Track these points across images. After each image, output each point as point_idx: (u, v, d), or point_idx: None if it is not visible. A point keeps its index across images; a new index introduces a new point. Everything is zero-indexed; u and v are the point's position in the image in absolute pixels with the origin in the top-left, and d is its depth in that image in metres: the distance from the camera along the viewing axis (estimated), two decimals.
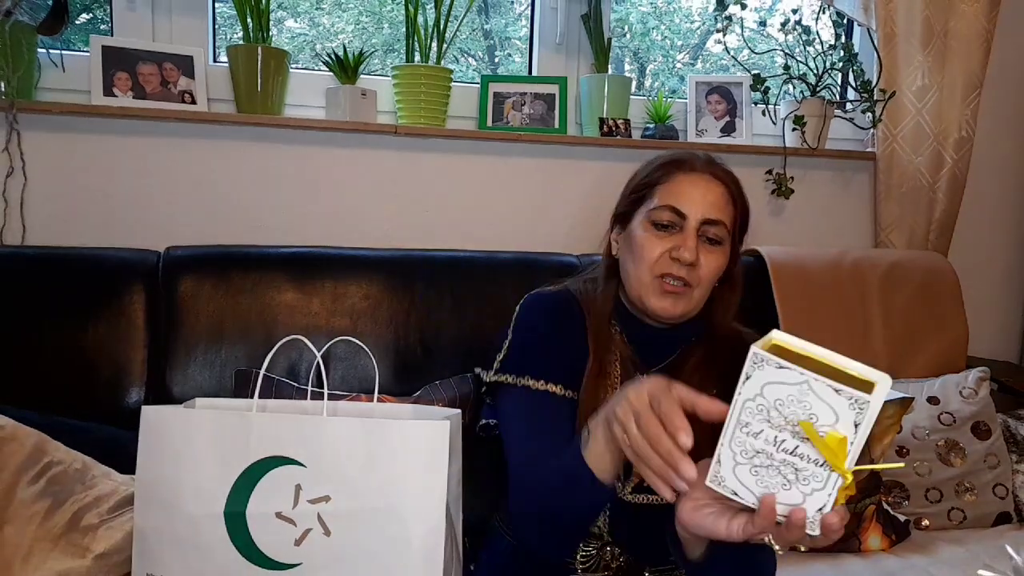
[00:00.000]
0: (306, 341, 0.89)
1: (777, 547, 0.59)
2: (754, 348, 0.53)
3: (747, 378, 0.54)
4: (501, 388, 0.92)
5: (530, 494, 0.81)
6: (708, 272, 0.87)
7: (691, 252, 0.84)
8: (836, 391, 0.51)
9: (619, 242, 0.95)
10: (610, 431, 0.68)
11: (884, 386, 0.52)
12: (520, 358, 0.91)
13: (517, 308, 0.96)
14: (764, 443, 0.54)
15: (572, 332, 0.92)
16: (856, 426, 0.51)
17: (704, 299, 0.89)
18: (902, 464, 0.57)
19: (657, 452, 0.59)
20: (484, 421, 0.96)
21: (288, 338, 0.92)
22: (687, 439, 0.56)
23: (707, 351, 0.90)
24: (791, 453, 0.53)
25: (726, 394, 0.87)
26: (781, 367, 0.52)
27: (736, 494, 0.56)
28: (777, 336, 0.55)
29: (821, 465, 0.53)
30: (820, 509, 0.53)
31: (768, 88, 1.66)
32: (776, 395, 0.53)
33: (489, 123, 1.59)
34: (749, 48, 1.69)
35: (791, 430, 0.53)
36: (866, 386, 0.52)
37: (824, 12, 1.72)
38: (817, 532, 0.54)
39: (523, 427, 0.87)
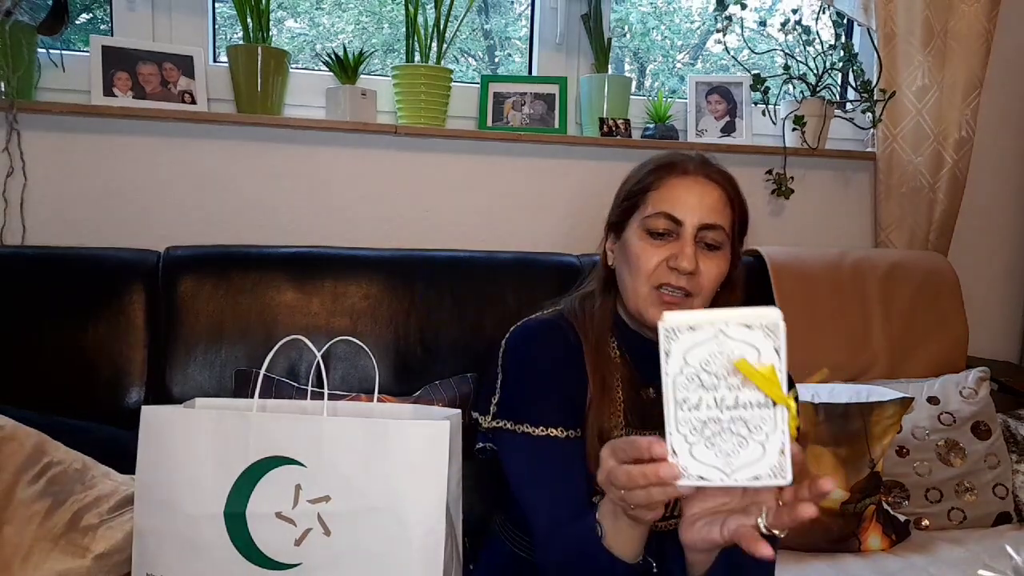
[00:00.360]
0: (306, 341, 0.89)
1: (777, 532, 0.59)
2: (662, 325, 0.54)
3: (667, 355, 0.55)
4: (500, 431, 0.88)
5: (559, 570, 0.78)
6: (708, 280, 0.83)
7: (689, 260, 0.81)
8: (748, 327, 0.54)
9: (614, 252, 0.91)
10: (626, 517, 0.65)
11: (777, 312, 0.54)
12: (516, 402, 0.87)
13: (504, 343, 0.91)
14: (708, 410, 0.54)
15: (568, 362, 0.87)
16: (777, 351, 0.54)
17: (705, 307, 0.85)
18: (826, 371, 0.58)
19: (640, 483, 0.57)
20: (481, 445, 0.92)
21: (288, 338, 0.92)
22: (659, 448, 0.56)
23: None
24: (735, 407, 0.54)
25: None
26: (693, 328, 0.54)
27: (703, 478, 0.55)
28: (668, 316, 0.55)
29: (764, 406, 0.54)
30: (781, 451, 0.54)
31: (768, 88, 1.66)
32: (699, 357, 0.54)
33: (489, 123, 1.59)
34: (749, 48, 1.69)
35: (726, 383, 0.54)
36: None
37: (824, 12, 1.72)
38: (790, 477, 0.54)
39: (531, 479, 0.84)
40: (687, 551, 0.66)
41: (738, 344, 0.54)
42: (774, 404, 0.54)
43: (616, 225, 0.91)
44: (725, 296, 0.89)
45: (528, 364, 0.88)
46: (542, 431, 0.84)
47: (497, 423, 0.88)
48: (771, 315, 0.54)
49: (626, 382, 0.88)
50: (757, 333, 0.54)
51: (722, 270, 0.85)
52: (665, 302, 0.83)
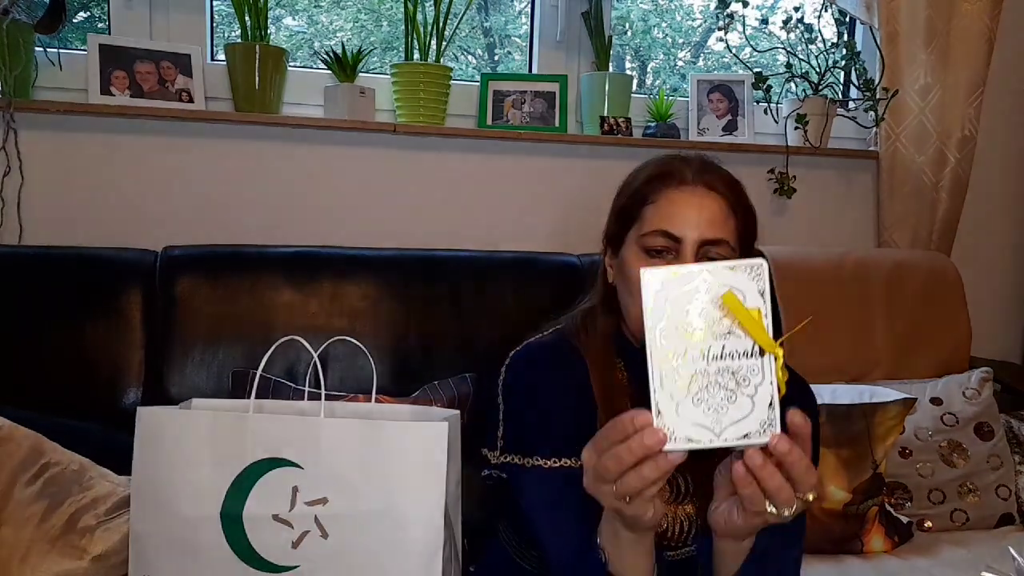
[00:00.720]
0: (303, 342, 0.88)
1: (785, 511, 0.55)
2: (643, 276, 0.52)
3: (650, 306, 0.52)
4: (510, 466, 0.84)
5: None
6: None
7: None
8: (731, 268, 0.52)
9: (613, 268, 0.86)
10: (626, 530, 0.62)
11: (760, 259, 0.53)
12: (524, 433, 0.83)
13: (503, 370, 0.86)
14: (694, 362, 0.52)
15: (574, 387, 0.83)
16: (762, 295, 0.51)
17: None
18: (810, 318, 0.55)
19: (628, 461, 0.53)
20: (487, 472, 0.89)
21: (285, 339, 0.91)
22: (642, 417, 0.53)
23: None
24: (722, 357, 0.52)
25: None
26: (676, 274, 0.52)
27: (692, 439, 0.52)
28: (648, 269, 0.53)
29: (752, 356, 0.51)
30: (770, 404, 0.51)
31: (770, 86, 1.65)
32: (683, 305, 0.52)
33: (489, 121, 1.58)
34: (751, 46, 1.68)
35: (712, 331, 0.52)
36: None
37: (826, 10, 1.71)
38: (777, 429, 0.51)
39: (545, 512, 0.80)
40: (716, 541, 0.65)
41: (725, 288, 0.52)
42: (762, 353, 0.51)
43: (614, 239, 0.87)
44: None
45: (532, 392, 0.84)
46: (554, 463, 0.80)
47: (506, 458, 0.84)
48: (755, 259, 0.52)
49: (636, 406, 0.86)
50: (741, 275, 0.51)
51: None
52: None
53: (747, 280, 0.51)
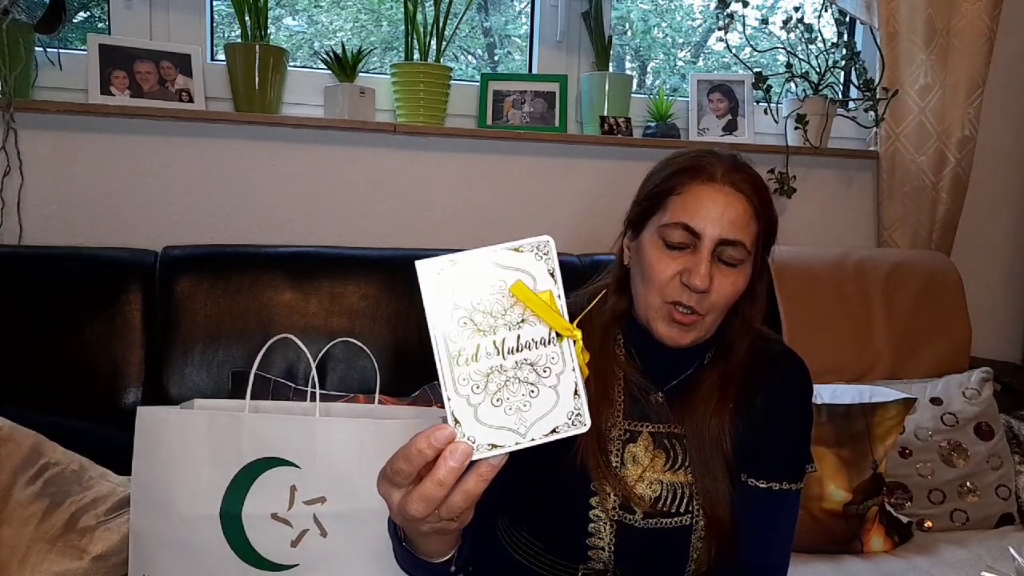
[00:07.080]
0: (297, 341, 0.88)
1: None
2: (419, 268, 0.47)
3: (432, 303, 0.47)
4: None
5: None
6: (721, 297, 0.78)
7: (703, 279, 0.76)
8: (517, 250, 0.48)
9: (631, 250, 0.86)
10: (441, 534, 0.58)
11: (545, 236, 0.49)
12: None
13: None
14: (488, 359, 0.47)
15: None
16: (552, 275, 0.48)
17: (718, 322, 0.81)
18: (603, 292, 0.48)
19: (440, 495, 0.48)
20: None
21: (277, 337, 0.91)
22: (442, 433, 0.47)
23: (724, 372, 0.84)
24: (519, 349, 0.47)
25: (743, 412, 0.83)
26: (455, 262, 0.47)
27: (496, 445, 0.47)
28: (423, 262, 0.48)
29: (550, 343, 0.48)
30: (575, 393, 0.48)
31: (770, 86, 1.65)
32: (469, 296, 0.47)
33: (489, 121, 1.58)
34: (751, 46, 1.68)
35: (504, 322, 0.47)
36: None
37: (826, 10, 1.71)
38: (589, 421, 0.48)
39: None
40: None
41: (509, 274, 0.47)
42: (560, 338, 0.47)
43: (635, 223, 0.86)
44: (746, 309, 0.85)
45: None
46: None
47: None
48: (540, 237, 0.49)
49: (628, 381, 0.86)
50: (528, 256, 0.48)
51: (738, 287, 0.80)
52: (675, 320, 0.79)
53: (535, 261, 0.48)
